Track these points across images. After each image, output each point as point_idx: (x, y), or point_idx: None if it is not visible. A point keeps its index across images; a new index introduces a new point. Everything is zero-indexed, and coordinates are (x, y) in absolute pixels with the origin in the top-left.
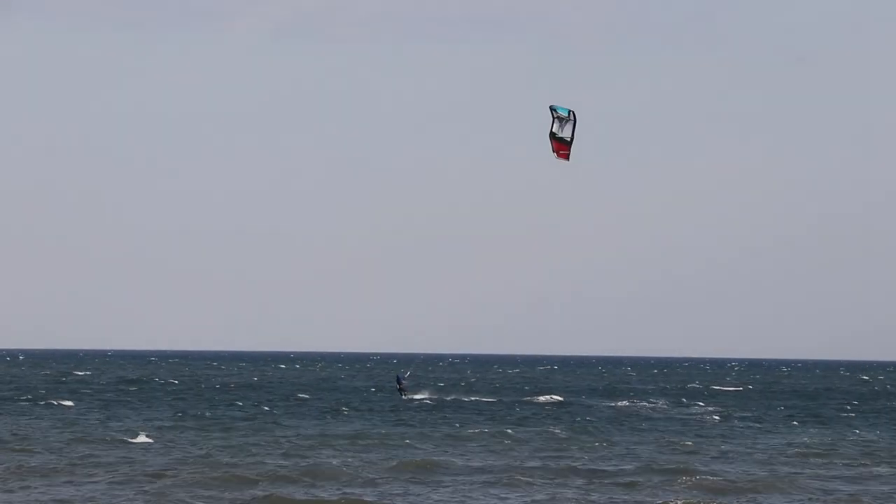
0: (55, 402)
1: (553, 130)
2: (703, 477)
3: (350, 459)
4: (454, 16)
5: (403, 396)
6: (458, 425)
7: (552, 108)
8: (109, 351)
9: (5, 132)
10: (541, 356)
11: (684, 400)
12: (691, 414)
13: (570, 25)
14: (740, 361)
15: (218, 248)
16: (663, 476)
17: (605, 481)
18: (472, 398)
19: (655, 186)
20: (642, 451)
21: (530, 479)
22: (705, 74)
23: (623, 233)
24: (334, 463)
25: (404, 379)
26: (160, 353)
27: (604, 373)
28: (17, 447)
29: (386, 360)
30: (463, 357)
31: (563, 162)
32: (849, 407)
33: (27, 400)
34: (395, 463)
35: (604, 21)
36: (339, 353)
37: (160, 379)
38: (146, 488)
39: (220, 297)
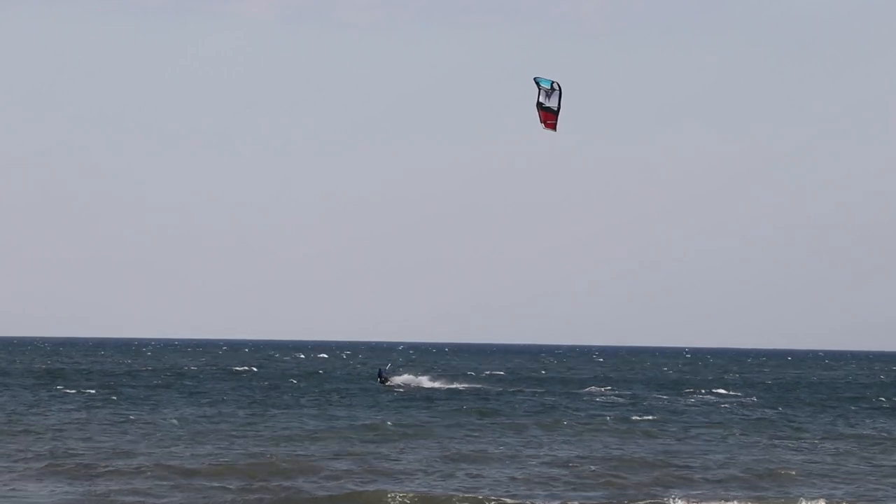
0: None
1: (540, 100)
2: (803, 467)
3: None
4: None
5: (387, 383)
6: (507, 419)
7: (536, 81)
8: (103, 339)
9: (16, 118)
10: (541, 346)
11: (731, 391)
12: (751, 406)
13: (578, 10)
14: (734, 352)
15: (227, 234)
16: (759, 467)
17: (708, 475)
18: (522, 388)
19: (655, 179)
20: (731, 446)
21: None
22: (705, 66)
23: (619, 224)
24: (415, 456)
25: (386, 372)
26: (161, 342)
27: (634, 362)
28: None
29: (390, 347)
30: (477, 347)
31: (550, 132)
32: None
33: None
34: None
35: (607, 8)
36: (360, 343)
37: (190, 367)
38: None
39: (226, 286)
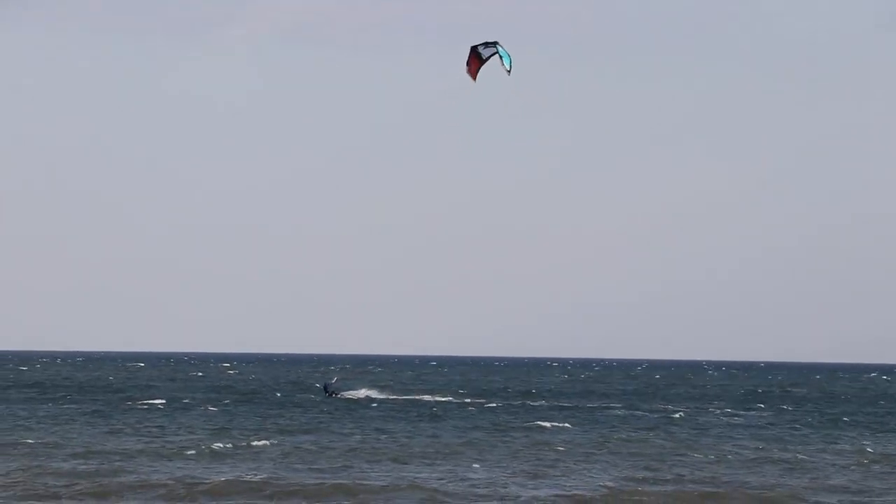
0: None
1: (480, 50)
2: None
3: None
4: (452, 23)
5: (334, 396)
6: (544, 434)
7: (496, 46)
8: (101, 352)
9: (9, 136)
10: (544, 358)
11: (762, 405)
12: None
13: (574, 30)
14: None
15: (217, 250)
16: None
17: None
18: (558, 403)
19: (671, 193)
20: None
21: None
22: (707, 80)
23: (628, 239)
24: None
25: (332, 384)
26: (160, 355)
27: (648, 376)
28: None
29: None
30: (477, 360)
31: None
32: None
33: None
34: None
35: (610, 24)
36: (367, 356)
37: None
38: None
39: (216, 299)
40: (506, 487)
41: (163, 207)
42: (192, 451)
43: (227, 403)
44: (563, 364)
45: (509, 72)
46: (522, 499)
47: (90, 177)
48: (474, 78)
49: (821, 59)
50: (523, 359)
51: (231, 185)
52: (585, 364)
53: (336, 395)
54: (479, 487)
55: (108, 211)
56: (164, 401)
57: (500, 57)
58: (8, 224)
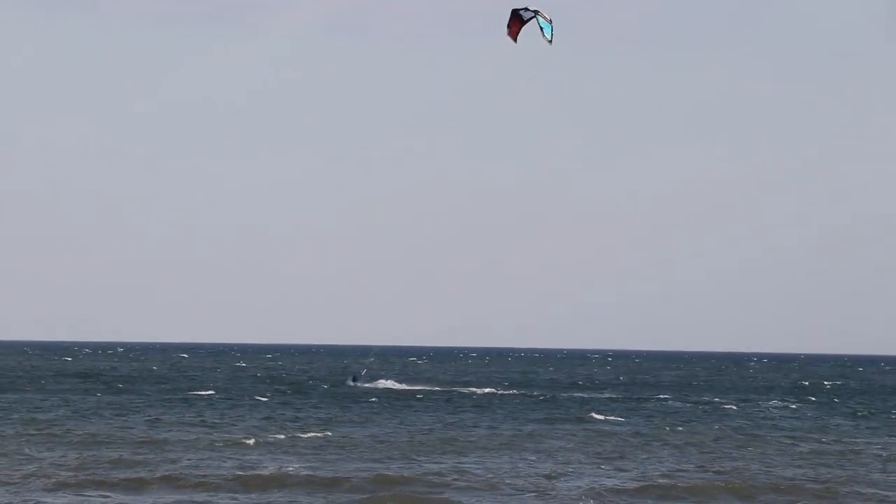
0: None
1: (521, 12)
2: None
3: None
4: (452, 22)
5: (358, 385)
6: (598, 425)
7: (536, 16)
8: (123, 343)
9: (38, 127)
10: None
11: (812, 397)
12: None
13: (573, 30)
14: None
15: (217, 250)
16: None
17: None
18: (607, 394)
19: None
20: None
21: None
22: (708, 81)
23: (628, 239)
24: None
25: (361, 376)
26: (182, 347)
27: (681, 368)
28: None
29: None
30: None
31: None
32: None
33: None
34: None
35: (609, 24)
36: (399, 347)
37: (260, 373)
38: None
39: (233, 292)
40: (562, 479)
41: (163, 207)
42: (244, 442)
43: (275, 394)
44: (604, 355)
45: (550, 41)
46: (580, 489)
47: (90, 177)
48: (515, 39)
49: (821, 59)
50: (562, 350)
51: (231, 185)
52: (623, 356)
53: (364, 385)
54: (536, 478)
55: (108, 211)
56: (212, 392)
57: (541, 28)
58: (8, 224)
